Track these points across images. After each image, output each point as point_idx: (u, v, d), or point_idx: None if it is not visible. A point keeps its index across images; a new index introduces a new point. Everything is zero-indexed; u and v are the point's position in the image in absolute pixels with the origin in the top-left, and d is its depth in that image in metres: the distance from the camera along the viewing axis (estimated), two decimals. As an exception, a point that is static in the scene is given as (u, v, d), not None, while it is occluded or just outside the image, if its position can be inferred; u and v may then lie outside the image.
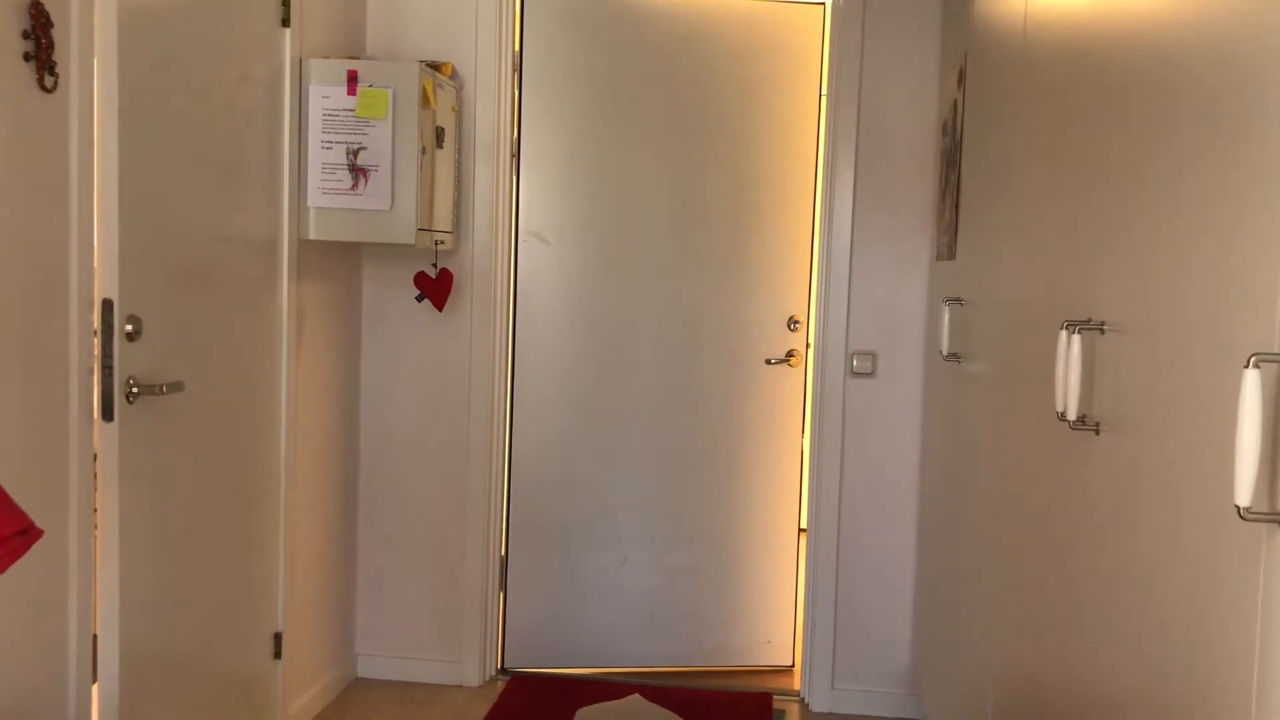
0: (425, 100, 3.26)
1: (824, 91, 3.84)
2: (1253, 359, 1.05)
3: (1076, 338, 1.65)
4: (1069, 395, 1.66)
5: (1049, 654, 1.88)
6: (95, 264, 2.33)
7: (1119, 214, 1.58)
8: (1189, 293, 1.29)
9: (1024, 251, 2.18)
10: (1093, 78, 1.75)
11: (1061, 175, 1.91)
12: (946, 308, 2.99)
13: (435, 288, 3.60)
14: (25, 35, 2.09)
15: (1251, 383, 1.05)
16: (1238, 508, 1.07)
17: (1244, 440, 1.05)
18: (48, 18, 2.12)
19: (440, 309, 3.62)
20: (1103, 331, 1.62)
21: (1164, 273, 1.38)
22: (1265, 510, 1.08)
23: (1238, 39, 1.18)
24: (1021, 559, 2.10)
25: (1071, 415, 1.66)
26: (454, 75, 3.65)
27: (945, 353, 3.01)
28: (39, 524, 2.18)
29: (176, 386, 2.55)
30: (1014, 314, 2.25)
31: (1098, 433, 1.64)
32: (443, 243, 3.52)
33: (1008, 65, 2.43)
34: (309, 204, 3.21)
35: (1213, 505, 1.21)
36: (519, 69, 3.79)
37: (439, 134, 3.42)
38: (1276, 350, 1.06)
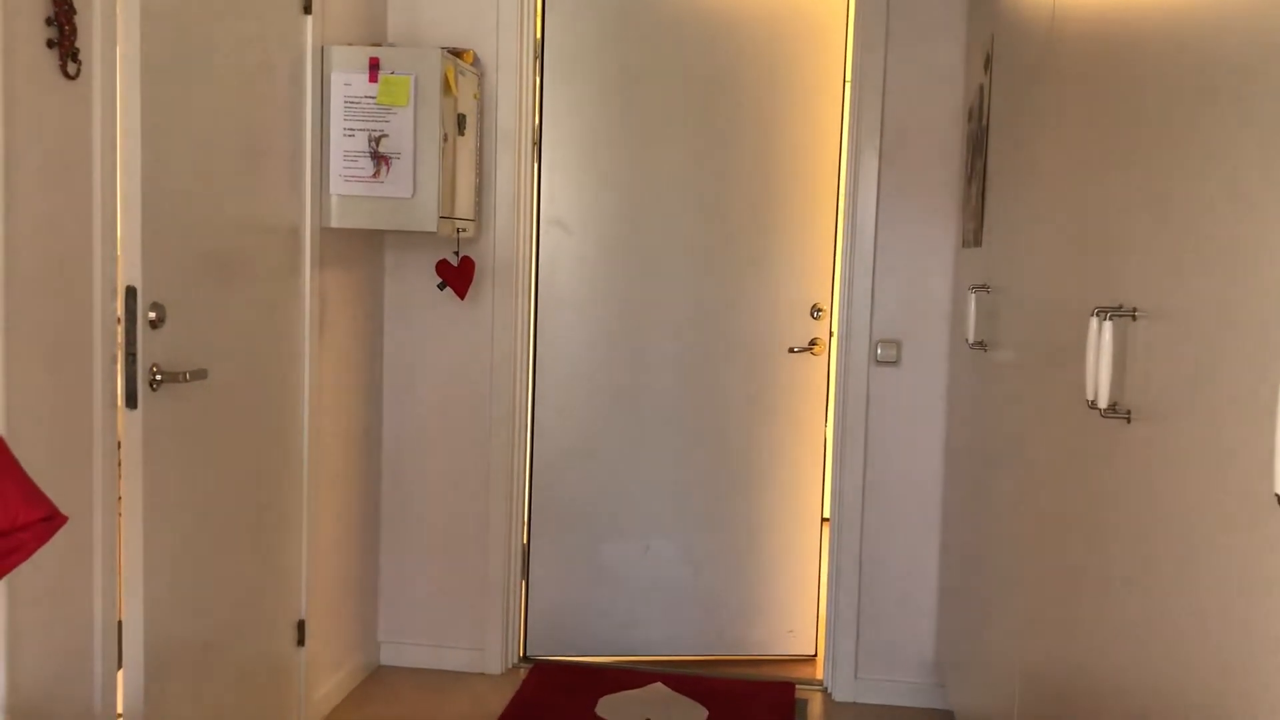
0: (447, 87, 3.25)
1: (848, 77, 3.81)
2: (1294, 344, 1.03)
3: (1108, 324, 1.62)
4: (1100, 383, 1.64)
5: (1078, 645, 1.85)
6: (118, 251, 2.34)
7: (1151, 198, 1.55)
8: (1224, 277, 1.27)
9: (1053, 237, 2.15)
10: (1124, 58, 1.72)
11: (1091, 158, 1.88)
12: (973, 295, 2.96)
13: (457, 275, 3.60)
14: (49, 22, 2.09)
15: (1292, 369, 1.03)
16: (1278, 496, 1.05)
17: (1284, 427, 1.03)
18: (71, 4, 2.12)
19: (462, 297, 3.62)
20: (1134, 318, 1.60)
21: (1198, 257, 1.35)
22: (1306, 499, 1.06)
23: (1275, 15, 1.15)
24: (1049, 548, 2.08)
25: (1102, 403, 1.64)
26: (476, 62, 3.63)
27: (971, 340, 2.98)
28: (63, 510, 2.18)
29: (200, 374, 2.56)
30: (1042, 301, 2.22)
31: (1129, 420, 1.61)
32: (464, 230, 3.51)
33: (1035, 48, 2.40)
34: (331, 191, 3.21)
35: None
36: (540, 56, 3.77)
37: (460, 121, 3.41)
38: (1318, 335, 1.04)
